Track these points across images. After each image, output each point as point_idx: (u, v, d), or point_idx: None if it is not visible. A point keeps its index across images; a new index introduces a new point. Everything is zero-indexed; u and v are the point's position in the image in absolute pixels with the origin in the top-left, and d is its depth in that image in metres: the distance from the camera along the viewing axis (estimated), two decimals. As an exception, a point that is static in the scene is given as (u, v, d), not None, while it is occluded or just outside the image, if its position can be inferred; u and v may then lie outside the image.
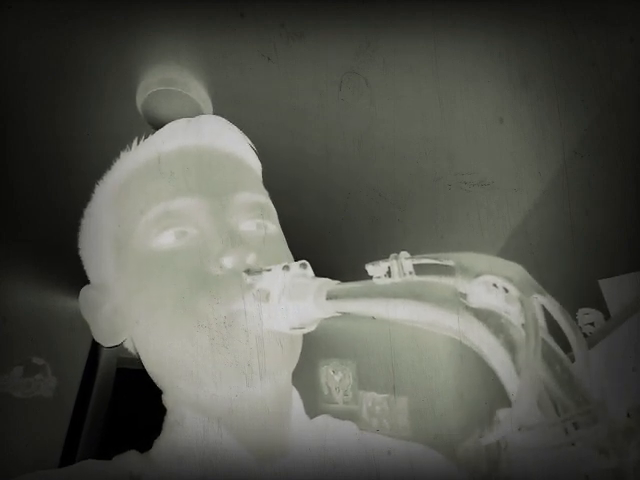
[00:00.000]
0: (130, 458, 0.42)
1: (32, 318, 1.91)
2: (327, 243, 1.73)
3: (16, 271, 1.86)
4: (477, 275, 0.28)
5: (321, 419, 0.49)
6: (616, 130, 1.21)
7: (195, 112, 1.19)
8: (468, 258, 0.29)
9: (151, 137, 0.48)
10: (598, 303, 1.15)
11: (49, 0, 0.98)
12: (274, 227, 0.47)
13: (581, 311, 1.20)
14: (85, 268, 0.49)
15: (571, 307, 1.22)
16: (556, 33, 1.06)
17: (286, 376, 0.44)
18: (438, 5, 0.99)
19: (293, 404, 0.46)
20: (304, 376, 2.07)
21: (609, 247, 1.20)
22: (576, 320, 1.21)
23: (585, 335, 1.17)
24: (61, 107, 1.21)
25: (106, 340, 0.45)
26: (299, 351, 0.44)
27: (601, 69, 1.12)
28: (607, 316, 1.13)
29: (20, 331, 1.86)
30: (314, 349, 2.12)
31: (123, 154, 0.48)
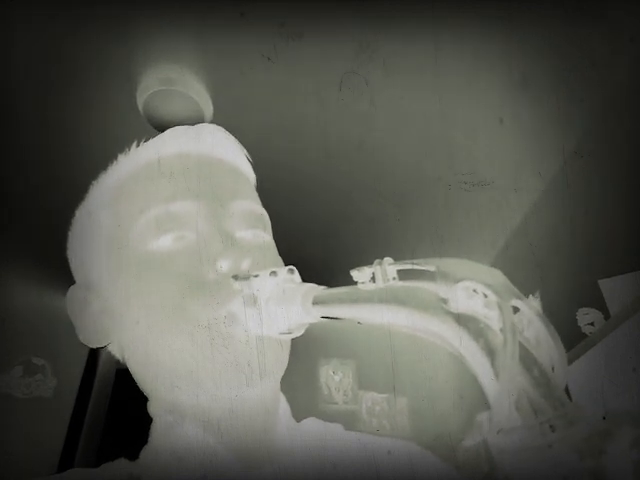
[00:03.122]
0: (120, 465, 0.42)
1: (32, 318, 1.91)
2: (327, 244, 1.73)
3: (16, 271, 1.86)
4: (457, 281, 0.29)
5: (308, 422, 0.49)
6: (616, 130, 1.21)
7: (195, 112, 1.19)
8: (449, 264, 0.30)
9: (151, 140, 0.48)
10: (598, 303, 1.15)
11: (48, 0, 0.98)
12: (269, 238, 0.48)
13: (581, 311, 1.20)
14: (72, 268, 0.49)
15: (571, 307, 1.22)
16: (556, 33, 1.06)
17: (280, 377, 0.44)
18: (438, 5, 0.99)
19: (281, 406, 0.46)
20: (304, 376, 2.07)
21: (609, 247, 1.20)
22: (576, 320, 1.21)
23: (585, 335, 1.17)
24: (61, 107, 1.21)
25: (92, 341, 0.46)
26: (287, 356, 0.44)
27: (601, 69, 1.12)
28: (607, 316, 1.13)
29: (20, 331, 1.86)
30: (314, 349, 2.12)
31: (121, 156, 0.48)
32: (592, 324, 1.17)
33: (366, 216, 1.58)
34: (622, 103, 1.16)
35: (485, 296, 0.28)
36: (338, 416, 2.04)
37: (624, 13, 1.03)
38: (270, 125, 1.27)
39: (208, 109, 1.21)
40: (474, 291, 0.28)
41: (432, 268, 0.30)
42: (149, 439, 0.44)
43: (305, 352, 2.09)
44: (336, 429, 0.49)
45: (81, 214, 0.49)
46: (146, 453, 0.43)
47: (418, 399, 1.99)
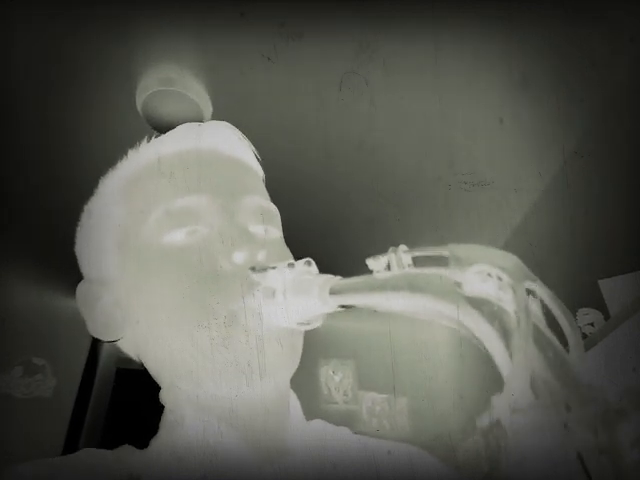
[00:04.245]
0: (128, 452, 0.42)
1: (32, 318, 1.91)
2: (327, 243, 1.73)
3: (15, 271, 1.86)
4: (471, 264, 0.29)
5: (316, 423, 0.49)
6: (616, 130, 1.21)
7: (195, 112, 1.19)
8: (462, 248, 0.31)
9: (163, 136, 0.49)
10: (598, 303, 1.15)
11: (49, 0, 0.98)
12: (279, 234, 0.48)
13: (581, 311, 1.20)
14: (81, 263, 0.49)
15: (571, 307, 1.22)
16: (556, 33, 1.06)
17: (286, 377, 0.44)
18: (438, 5, 0.99)
19: (291, 406, 0.46)
20: (304, 376, 2.06)
21: (609, 247, 1.20)
22: (576, 320, 1.20)
23: (585, 335, 1.17)
24: (61, 107, 1.21)
25: (104, 334, 0.45)
26: (300, 352, 0.44)
27: (601, 69, 1.12)
28: (607, 316, 1.13)
29: (20, 331, 1.86)
30: (314, 349, 2.12)
31: (131, 152, 0.48)
32: (592, 324, 1.17)
33: (366, 216, 1.58)
34: (622, 103, 1.16)
35: (499, 279, 0.28)
36: (338, 416, 2.04)
37: (624, 13, 1.03)
38: (270, 125, 1.27)
39: (207, 109, 1.21)
40: (488, 275, 0.28)
41: (446, 253, 0.30)
42: (159, 430, 0.43)
43: (305, 352, 2.08)
44: (342, 433, 0.49)
45: (91, 209, 0.49)
46: (156, 443, 0.43)
47: (418, 399, 1.99)
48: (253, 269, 0.40)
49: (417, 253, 0.33)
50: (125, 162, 0.48)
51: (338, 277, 0.36)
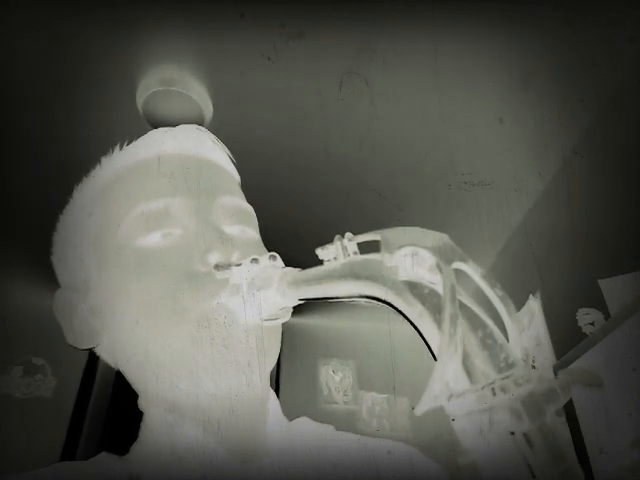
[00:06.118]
0: (106, 461, 0.42)
1: (32, 318, 1.91)
2: (326, 243, 1.73)
3: (16, 271, 1.86)
4: (399, 247, 0.29)
5: (300, 421, 0.49)
6: (616, 130, 1.21)
7: (195, 112, 1.19)
8: (394, 232, 0.31)
9: (134, 142, 0.49)
10: (598, 303, 1.15)
11: (51, 3, 0.98)
12: (255, 234, 0.48)
13: (581, 311, 1.20)
14: (57, 272, 0.49)
15: (571, 307, 1.22)
16: (556, 33, 1.06)
17: (266, 373, 0.44)
18: (438, 5, 0.99)
19: (270, 403, 0.46)
20: (304, 376, 2.07)
21: (609, 247, 1.20)
22: (576, 320, 1.20)
23: (585, 335, 1.17)
24: (61, 107, 1.21)
25: (82, 342, 0.46)
26: (278, 346, 0.44)
27: (601, 69, 1.12)
28: (607, 316, 1.13)
29: (20, 331, 1.86)
30: (314, 349, 2.12)
31: (104, 159, 0.48)
32: (592, 324, 1.17)
33: (366, 216, 1.58)
34: (622, 103, 1.16)
35: (430, 261, 0.29)
36: (338, 416, 2.04)
37: (624, 13, 1.03)
38: (270, 125, 1.27)
39: (208, 109, 1.21)
40: (415, 255, 0.29)
41: (378, 237, 0.31)
42: (140, 434, 0.44)
43: (305, 352, 2.09)
44: (327, 430, 0.48)
45: (66, 218, 0.50)
46: (137, 449, 0.43)
47: (418, 399, 1.99)
48: (217, 267, 0.39)
49: (360, 239, 0.33)
50: (99, 170, 0.48)
51: (297, 269, 0.36)
